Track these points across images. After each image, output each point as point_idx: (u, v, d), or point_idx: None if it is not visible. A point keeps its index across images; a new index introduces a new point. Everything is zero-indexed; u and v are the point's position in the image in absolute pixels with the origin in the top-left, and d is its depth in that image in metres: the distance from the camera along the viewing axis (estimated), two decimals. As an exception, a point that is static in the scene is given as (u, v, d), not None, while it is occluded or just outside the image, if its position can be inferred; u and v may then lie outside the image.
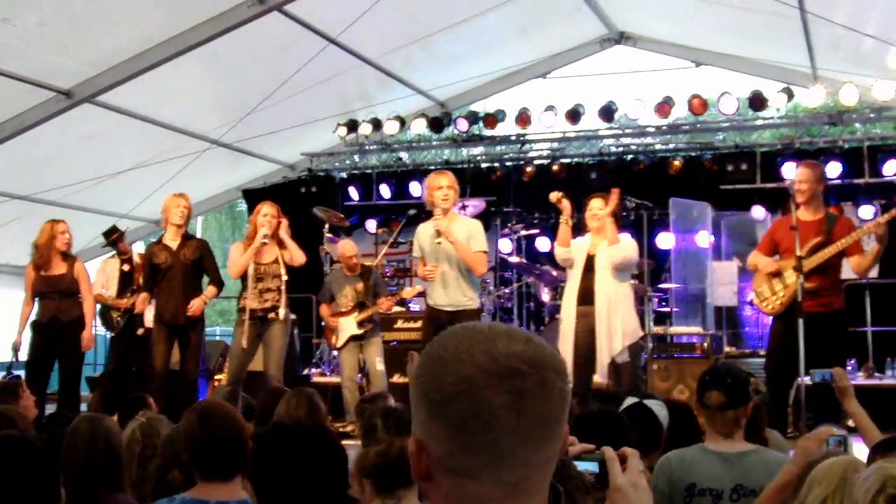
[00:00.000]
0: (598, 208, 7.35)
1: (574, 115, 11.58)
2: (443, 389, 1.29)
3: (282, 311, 7.84)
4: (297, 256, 7.93)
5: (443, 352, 1.32)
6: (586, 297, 7.27)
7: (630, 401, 4.08)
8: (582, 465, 1.86)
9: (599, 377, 7.31)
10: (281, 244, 7.92)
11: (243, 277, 7.93)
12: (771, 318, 7.20)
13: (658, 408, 4.00)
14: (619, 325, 7.15)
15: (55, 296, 8.24)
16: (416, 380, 1.35)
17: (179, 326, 8.07)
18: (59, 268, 8.32)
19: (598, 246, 7.32)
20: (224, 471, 3.20)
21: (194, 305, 8.00)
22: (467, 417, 1.27)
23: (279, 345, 7.91)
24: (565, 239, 7.41)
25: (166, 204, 8.22)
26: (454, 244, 7.07)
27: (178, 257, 8.06)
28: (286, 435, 2.84)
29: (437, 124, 12.14)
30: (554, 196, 7.46)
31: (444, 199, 7.17)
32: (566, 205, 7.38)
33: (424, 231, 7.47)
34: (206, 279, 8.35)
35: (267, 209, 7.99)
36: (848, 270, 7.04)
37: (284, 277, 7.85)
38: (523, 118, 11.84)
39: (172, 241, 8.15)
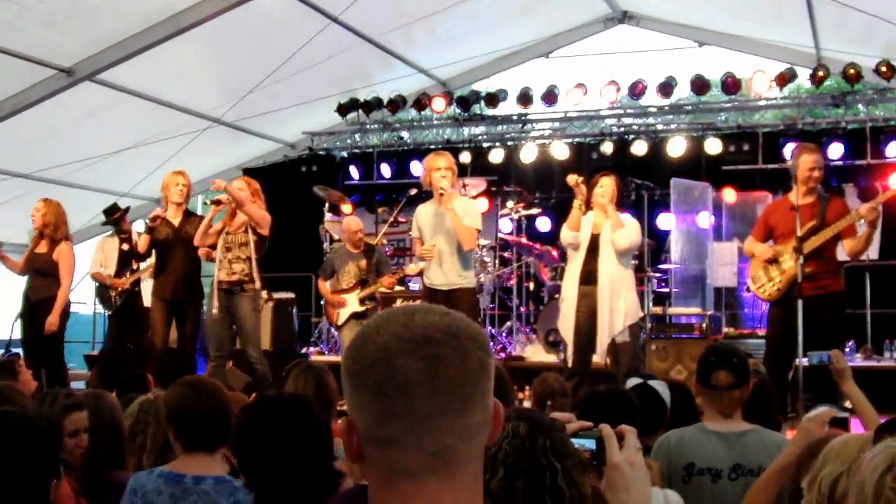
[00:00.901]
0: (606, 184, 7.29)
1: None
2: (361, 360, 1.33)
3: (251, 287, 7.60)
4: (255, 211, 7.64)
5: (364, 328, 1.38)
6: (589, 277, 7.24)
7: (634, 381, 4.10)
8: (579, 442, 1.87)
9: (598, 357, 7.31)
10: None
11: None
12: (768, 303, 7.20)
13: (662, 388, 4.01)
14: (621, 305, 7.14)
15: (31, 273, 8.27)
16: (342, 357, 1.39)
17: (178, 303, 8.04)
18: (41, 246, 8.32)
19: (603, 226, 7.29)
20: (208, 443, 3.21)
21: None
22: (382, 383, 1.30)
23: (251, 323, 7.68)
24: (575, 223, 7.35)
25: (165, 182, 8.19)
26: (450, 212, 7.16)
27: (179, 234, 8.03)
28: (270, 408, 2.84)
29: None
30: (572, 179, 7.38)
31: (442, 178, 7.26)
32: (583, 189, 7.33)
33: (424, 211, 7.57)
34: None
35: (236, 184, 7.89)
36: (843, 252, 7.04)
37: (253, 239, 7.61)
38: (525, 98, 11.81)
39: (174, 217, 8.12)
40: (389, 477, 1.33)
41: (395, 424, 1.30)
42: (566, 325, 7.37)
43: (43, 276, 8.25)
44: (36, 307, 8.20)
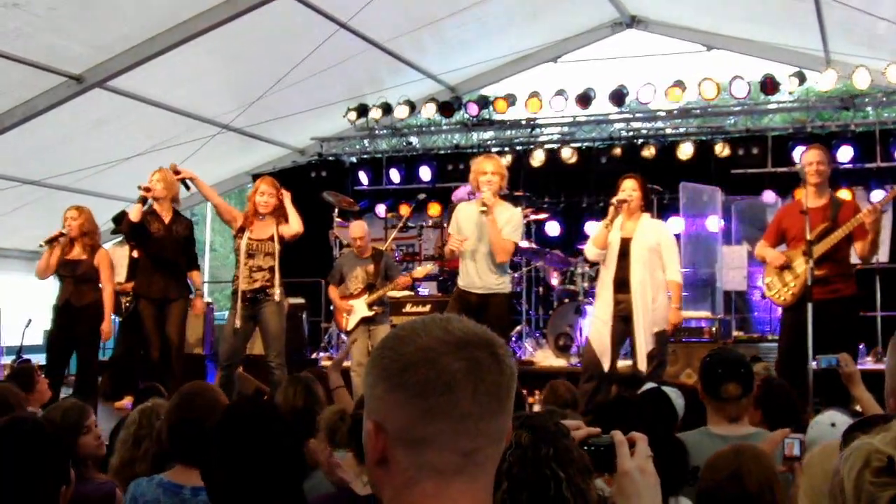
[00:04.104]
0: (632, 189, 7.10)
1: (584, 100, 11.57)
2: (402, 358, 1.36)
3: (276, 293, 7.53)
4: (294, 225, 7.57)
5: (399, 331, 1.41)
6: (622, 284, 7.09)
7: (648, 385, 4.09)
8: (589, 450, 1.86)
9: (640, 364, 7.11)
10: (282, 214, 7.64)
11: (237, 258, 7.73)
12: (782, 308, 7.15)
13: (675, 396, 4.00)
14: (650, 312, 7.00)
15: (71, 279, 8.23)
16: (374, 359, 1.41)
17: (163, 303, 7.96)
18: (79, 253, 8.31)
19: (632, 231, 7.11)
20: (196, 458, 3.11)
21: (197, 307, 8.18)
22: (427, 382, 1.34)
23: (276, 329, 7.59)
24: (602, 242, 7.17)
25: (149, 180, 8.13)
26: (491, 223, 7.02)
27: (170, 231, 7.95)
28: (233, 419, 2.71)
29: (447, 109, 12.14)
30: (615, 200, 7.11)
31: (487, 183, 7.15)
32: (613, 212, 7.07)
33: (465, 211, 7.40)
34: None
35: (264, 188, 7.75)
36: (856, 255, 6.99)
37: (278, 249, 7.53)
38: (533, 102, 11.82)
39: (164, 213, 8.01)
40: (415, 477, 1.35)
41: (436, 424, 1.34)
42: (602, 332, 7.22)
43: (86, 283, 8.23)
44: (80, 312, 8.19)
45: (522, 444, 1.97)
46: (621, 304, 7.08)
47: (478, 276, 7.22)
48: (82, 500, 3.45)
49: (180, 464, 3.19)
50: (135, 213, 7.84)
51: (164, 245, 7.94)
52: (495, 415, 1.37)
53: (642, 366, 6.98)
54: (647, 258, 7.05)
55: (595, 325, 7.29)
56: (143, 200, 7.89)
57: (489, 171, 7.17)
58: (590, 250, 7.40)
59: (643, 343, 6.98)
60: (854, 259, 6.98)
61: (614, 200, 7.13)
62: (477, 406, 1.34)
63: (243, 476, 2.57)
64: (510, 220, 7.18)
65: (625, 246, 7.12)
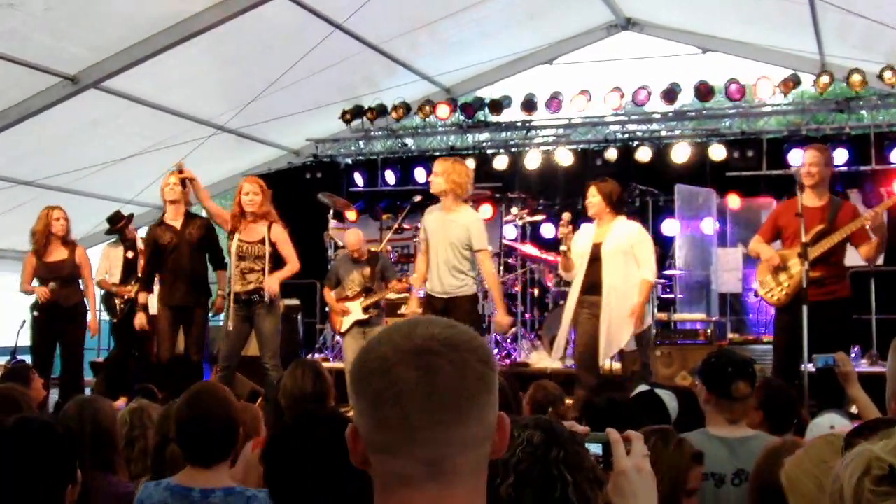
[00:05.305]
0: (591, 195, 7.20)
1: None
2: (364, 367, 1.36)
3: (266, 295, 7.49)
4: (294, 265, 7.66)
5: (372, 339, 1.41)
6: (591, 287, 7.15)
7: (641, 388, 4.09)
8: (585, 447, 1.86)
9: (601, 361, 7.18)
10: (271, 216, 7.61)
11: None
12: (775, 309, 7.15)
13: (668, 398, 4.00)
14: (625, 315, 7.05)
15: (57, 281, 8.20)
16: (350, 365, 1.45)
17: (185, 308, 7.87)
18: (59, 254, 8.27)
19: (604, 235, 7.20)
20: (206, 457, 3.14)
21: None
22: (379, 392, 1.33)
23: (270, 330, 7.55)
24: (566, 266, 7.32)
25: (161, 183, 8.07)
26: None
27: (183, 236, 7.82)
28: (308, 426, 2.67)
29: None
30: (563, 231, 7.25)
31: (430, 184, 7.20)
32: (564, 233, 7.21)
33: (430, 215, 7.45)
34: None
35: (248, 187, 7.65)
36: (852, 258, 6.98)
37: (269, 252, 7.47)
38: (529, 104, 11.83)
39: (174, 220, 7.91)
40: (389, 483, 1.35)
41: (390, 434, 1.33)
42: (564, 334, 7.33)
43: (71, 283, 8.21)
44: (69, 313, 8.14)
45: (534, 442, 1.97)
46: (591, 307, 7.09)
47: (439, 281, 7.22)
48: (106, 497, 3.45)
49: (190, 465, 3.17)
50: (139, 322, 8.03)
51: (179, 254, 7.82)
52: (455, 424, 1.33)
53: (604, 359, 7.13)
54: (621, 261, 7.07)
55: (562, 330, 7.35)
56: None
57: (433, 171, 7.24)
58: (563, 275, 7.58)
59: (612, 346, 7.04)
60: (849, 261, 6.98)
61: (562, 248, 7.25)
62: (429, 417, 1.31)
63: (315, 487, 2.54)
64: (476, 235, 7.18)
65: (596, 251, 7.14)
